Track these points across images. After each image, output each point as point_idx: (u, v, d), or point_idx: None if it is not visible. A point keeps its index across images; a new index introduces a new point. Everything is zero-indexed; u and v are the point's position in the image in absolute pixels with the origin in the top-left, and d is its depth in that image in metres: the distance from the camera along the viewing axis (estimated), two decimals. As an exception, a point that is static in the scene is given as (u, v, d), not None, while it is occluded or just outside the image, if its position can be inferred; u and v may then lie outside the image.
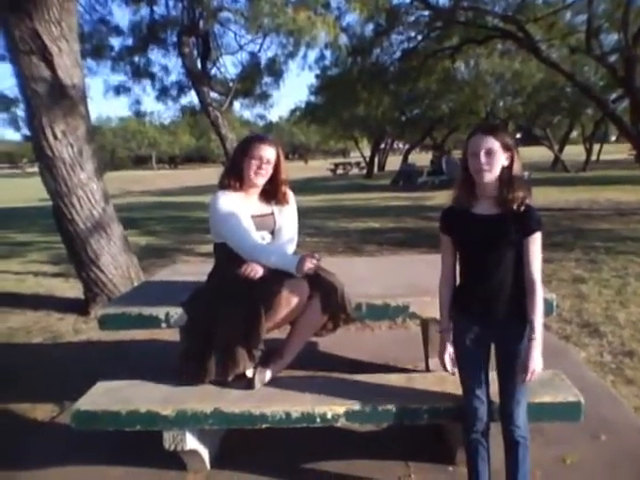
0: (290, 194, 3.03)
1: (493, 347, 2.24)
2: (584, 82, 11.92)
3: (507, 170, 2.10)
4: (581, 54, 12.70)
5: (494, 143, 2.07)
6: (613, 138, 57.35)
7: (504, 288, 2.13)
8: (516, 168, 2.10)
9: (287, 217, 2.97)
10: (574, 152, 34.38)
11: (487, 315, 2.17)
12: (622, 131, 11.57)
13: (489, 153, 2.07)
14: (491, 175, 2.09)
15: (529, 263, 2.08)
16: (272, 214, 2.95)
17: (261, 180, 2.84)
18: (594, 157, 30.45)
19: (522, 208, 2.07)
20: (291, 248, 2.95)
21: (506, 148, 2.08)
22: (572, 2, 12.32)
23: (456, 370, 2.30)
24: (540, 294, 2.08)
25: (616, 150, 39.33)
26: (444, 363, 2.30)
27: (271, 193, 2.94)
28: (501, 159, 2.08)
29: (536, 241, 2.09)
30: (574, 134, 38.30)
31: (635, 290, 5.42)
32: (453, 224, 2.25)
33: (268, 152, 2.81)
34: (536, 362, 2.08)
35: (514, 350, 2.15)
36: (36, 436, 3.23)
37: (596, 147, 31.69)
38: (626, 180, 17.34)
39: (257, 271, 2.63)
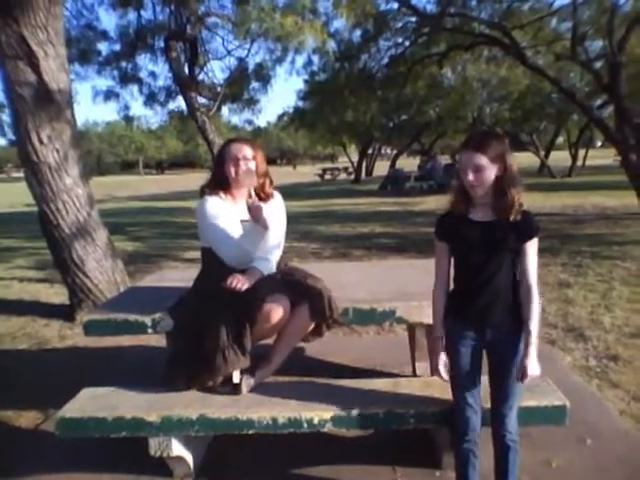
0: (278, 197, 3.02)
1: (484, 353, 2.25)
2: (569, 88, 12.00)
3: (500, 180, 2.07)
4: (567, 60, 12.80)
5: (482, 159, 2.04)
6: (599, 144, 57.86)
7: (502, 293, 2.13)
8: (510, 174, 2.08)
9: (274, 219, 2.92)
10: (560, 157, 34.65)
11: (483, 321, 2.16)
12: (607, 137, 11.64)
13: (477, 170, 2.05)
14: (482, 189, 2.08)
15: (526, 268, 2.10)
16: None
17: (242, 179, 2.83)
18: (580, 162, 30.68)
19: (519, 217, 2.08)
20: (277, 254, 2.93)
21: (496, 160, 2.05)
22: (558, 9, 12.44)
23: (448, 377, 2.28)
24: (537, 299, 2.10)
25: (602, 155, 39.71)
26: (439, 372, 2.25)
27: (256, 194, 2.92)
28: (491, 172, 2.06)
29: (534, 246, 2.11)
30: (560, 140, 38.58)
31: (620, 294, 5.46)
32: (450, 230, 2.24)
33: (244, 149, 2.83)
34: (534, 366, 2.09)
35: (510, 355, 2.16)
36: (20, 444, 3.19)
37: (582, 152, 31.94)
38: (611, 185, 17.49)
39: (243, 283, 2.61)
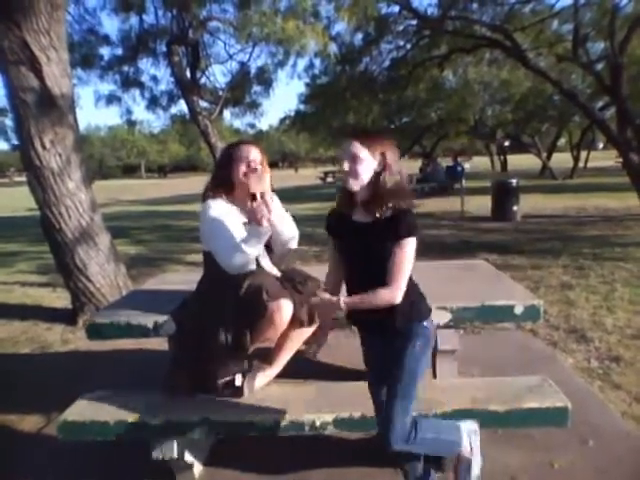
0: (275, 198, 3.01)
1: None
2: (571, 90, 12.00)
3: (377, 176, 2.03)
4: (568, 62, 12.80)
5: (360, 149, 2.01)
6: (601, 145, 57.79)
7: None
8: (390, 172, 2.03)
9: (278, 212, 2.89)
10: (562, 159, 34.61)
11: (372, 324, 2.14)
12: (609, 138, 11.65)
13: (354, 159, 2.02)
14: (357, 182, 2.04)
15: (389, 268, 2.00)
16: None
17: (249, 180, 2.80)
18: (581, 164, 30.66)
19: (389, 213, 2.01)
20: (293, 243, 2.94)
21: (376, 154, 2.02)
22: (559, 11, 12.43)
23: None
24: (383, 296, 1.99)
25: (603, 157, 39.64)
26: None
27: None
28: (370, 165, 2.02)
29: (403, 247, 2.01)
30: (562, 141, 38.54)
31: (622, 296, 5.46)
32: (334, 228, 2.25)
33: (253, 152, 2.81)
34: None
35: (394, 357, 2.11)
36: (23, 447, 3.20)
37: (584, 154, 31.91)
38: (613, 187, 17.47)
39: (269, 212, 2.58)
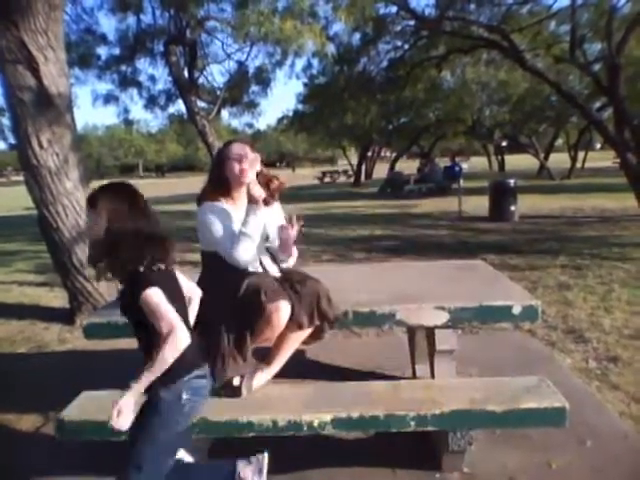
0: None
1: None
2: (568, 91, 12.02)
3: (104, 239, 1.96)
4: (565, 63, 12.83)
5: (89, 212, 1.97)
6: (598, 146, 57.92)
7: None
8: (114, 229, 1.94)
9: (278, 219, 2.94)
10: (559, 160, 34.68)
11: None
12: (606, 139, 11.68)
13: (89, 226, 1.99)
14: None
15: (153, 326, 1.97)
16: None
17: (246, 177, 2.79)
18: (579, 165, 30.72)
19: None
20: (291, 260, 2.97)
21: (102, 213, 1.94)
22: (556, 12, 12.45)
23: None
24: (164, 350, 1.92)
25: (601, 158, 39.73)
26: None
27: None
28: (100, 228, 1.95)
29: (145, 302, 1.94)
30: (559, 142, 38.61)
31: (619, 296, 5.47)
32: None
33: (244, 149, 2.79)
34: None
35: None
36: (21, 447, 3.19)
37: (581, 155, 31.97)
38: (610, 187, 17.50)
39: None
